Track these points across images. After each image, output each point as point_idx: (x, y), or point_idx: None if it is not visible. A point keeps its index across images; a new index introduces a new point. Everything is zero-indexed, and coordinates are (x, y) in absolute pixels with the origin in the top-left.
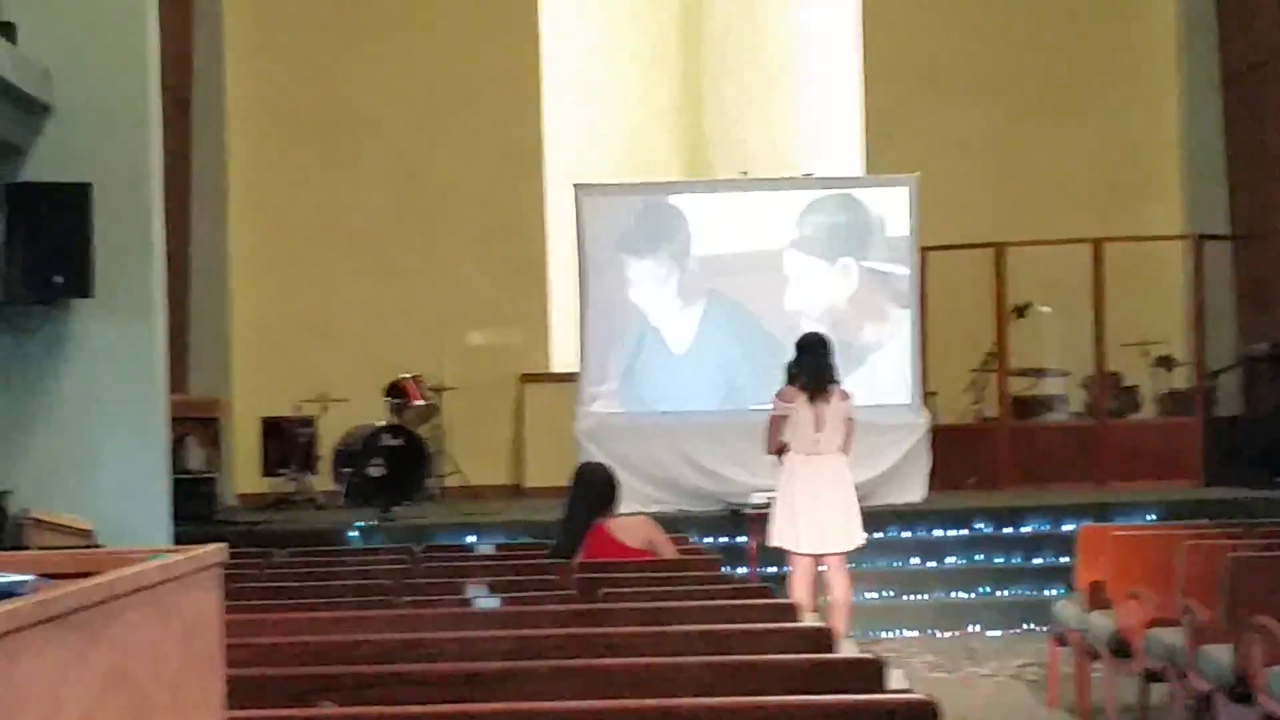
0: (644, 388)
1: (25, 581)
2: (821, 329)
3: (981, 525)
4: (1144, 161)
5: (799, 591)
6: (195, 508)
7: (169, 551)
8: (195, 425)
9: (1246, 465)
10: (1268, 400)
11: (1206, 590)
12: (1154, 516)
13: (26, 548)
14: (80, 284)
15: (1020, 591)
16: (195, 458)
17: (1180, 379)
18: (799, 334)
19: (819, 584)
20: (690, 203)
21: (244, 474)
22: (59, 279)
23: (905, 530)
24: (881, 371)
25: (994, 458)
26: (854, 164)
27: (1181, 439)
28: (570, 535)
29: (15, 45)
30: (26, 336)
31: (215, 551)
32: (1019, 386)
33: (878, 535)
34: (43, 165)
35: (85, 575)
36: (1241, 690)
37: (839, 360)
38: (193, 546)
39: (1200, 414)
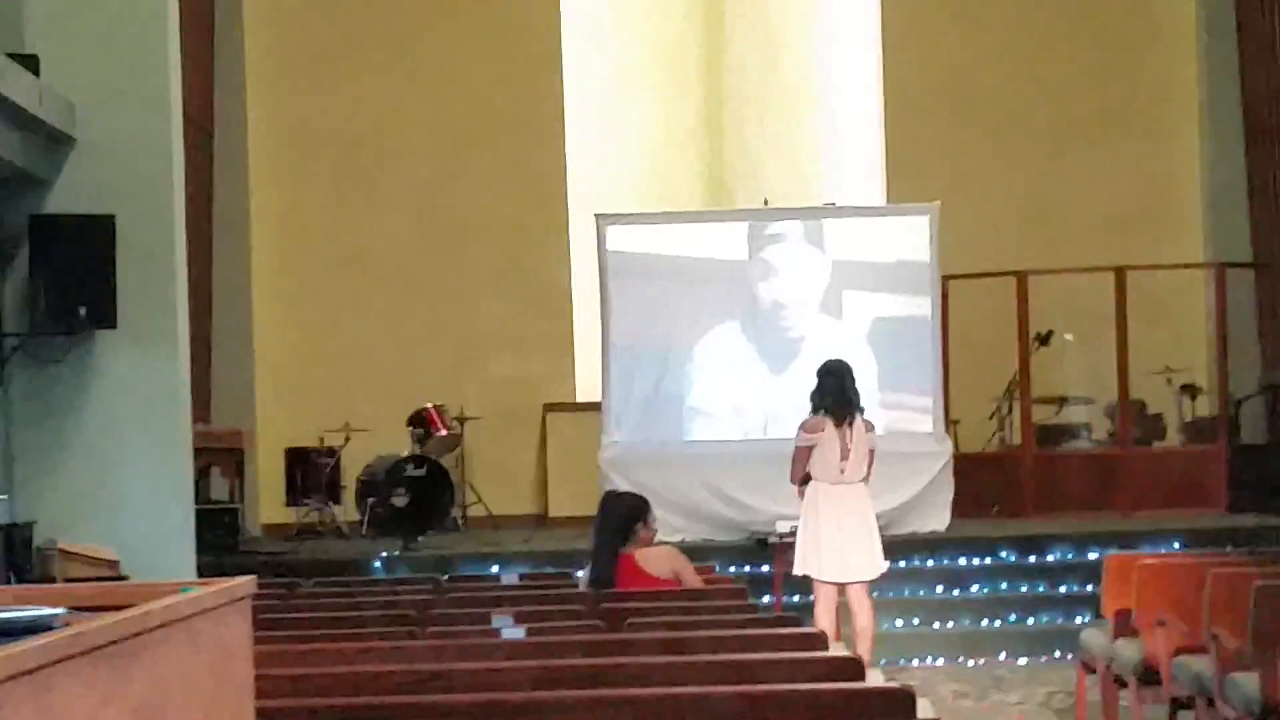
0: (668, 417)
1: (56, 614)
2: (843, 356)
3: (1006, 553)
4: (1166, 189)
5: (823, 620)
6: (219, 538)
7: (199, 584)
8: (219, 455)
9: (1271, 493)
10: None
11: (1233, 618)
12: (1179, 544)
13: (52, 578)
14: (104, 315)
15: (1046, 619)
16: (219, 488)
17: (1204, 407)
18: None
19: (843, 613)
20: (713, 232)
21: (267, 504)
22: (83, 310)
23: (929, 559)
24: (904, 400)
25: (1017, 486)
26: (875, 193)
27: (1206, 467)
28: (602, 566)
29: (39, 78)
30: (51, 367)
31: (245, 584)
32: (1042, 414)
33: (901, 564)
34: (66, 197)
35: (116, 608)
36: (1270, 718)
37: (860, 387)
38: (222, 579)
39: (1224, 441)
